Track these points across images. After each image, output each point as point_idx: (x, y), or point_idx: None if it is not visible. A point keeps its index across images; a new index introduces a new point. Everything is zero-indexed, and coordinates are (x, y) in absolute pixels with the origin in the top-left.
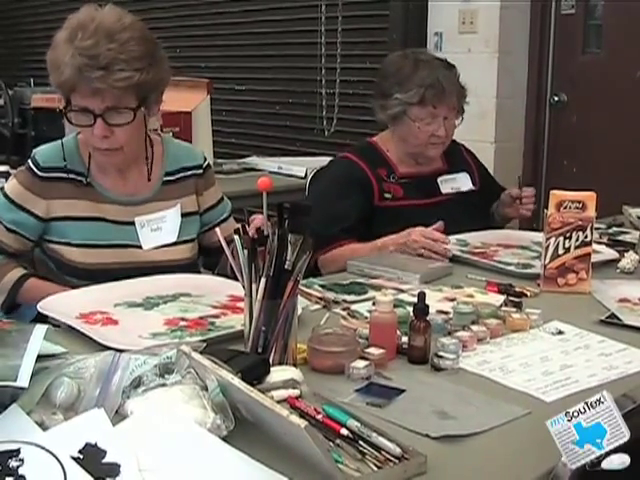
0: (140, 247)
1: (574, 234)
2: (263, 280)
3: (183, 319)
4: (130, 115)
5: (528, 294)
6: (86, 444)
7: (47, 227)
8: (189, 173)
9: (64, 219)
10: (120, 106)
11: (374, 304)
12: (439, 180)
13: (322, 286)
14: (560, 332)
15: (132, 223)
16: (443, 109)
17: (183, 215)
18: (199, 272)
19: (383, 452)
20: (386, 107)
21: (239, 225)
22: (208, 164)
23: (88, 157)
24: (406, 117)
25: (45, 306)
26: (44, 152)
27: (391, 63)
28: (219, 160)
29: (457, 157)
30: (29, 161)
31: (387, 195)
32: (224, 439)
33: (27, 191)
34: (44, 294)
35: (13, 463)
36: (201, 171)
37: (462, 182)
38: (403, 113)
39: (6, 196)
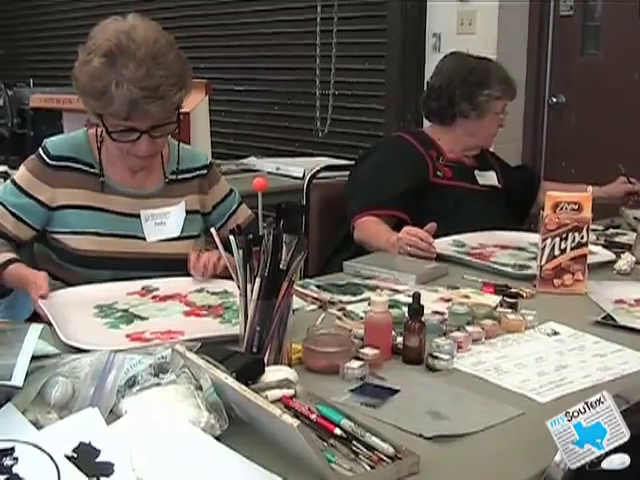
0: (144, 239)
1: (570, 235)
2: (258, 280)
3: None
4: (172, 127)
5: (524, 295)
6: (80, 443)
7: (52, 216)
8: (194, 174)
9: (70, 207)
10: (166, 122)
11: (369, 304)
12: (475, 173)
13: (318, 286)
14: (555, 333)
15: (137, 216)
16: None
17: (187, 212)
18: None
19: (376, 452)
20: (477, 104)
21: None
22: (211, 163)
23: (98, 150)
24: (489, 112)
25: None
26: (55, 142)
27: (459, 66)
28: (217, 161)
29: (484, 157)
30: (40, 149)
31: (439, 173)
32: (218, 438)
33: (35, 178)
34: (21, 279)
35: (7, 462)
36: (205, 171)
37: (491, 178)
38: (488, 106)
39: (14, 182)
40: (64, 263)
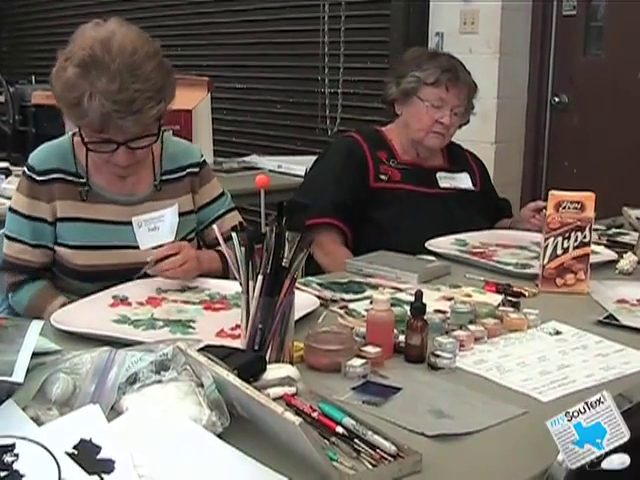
0: (137, 247)
1: (573, 234)
2: (260, 277)
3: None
4: (153, 138)
5: (526, 294)
6: (81, 440)
7: (55, 230)
8: (185, 172)
9: (62, 220)
10: (144, 135)
11: (371, 302)
12: (438, 175)
13: (320, 284)
14: (558, 332)
15: (129, 223)
16: (454, 97)
17: (180, 214)
18: None
19: (378, 450)
20: (401, 82)
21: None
22: (204, 161)
23: (85, 157)
24: (416, 97)
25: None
26: (38, 156)
27: (410, 52)
28: (219, 158)
29: (459, 158)
30: (25, 169)
31: (382, 177)
32: (219, 436)
33: (30, 199)
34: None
35: (8, 458)
36: (197, 169)
37: (461, 181)
38: (415, 91)
39: (16, 212)
40: (63, 276)
